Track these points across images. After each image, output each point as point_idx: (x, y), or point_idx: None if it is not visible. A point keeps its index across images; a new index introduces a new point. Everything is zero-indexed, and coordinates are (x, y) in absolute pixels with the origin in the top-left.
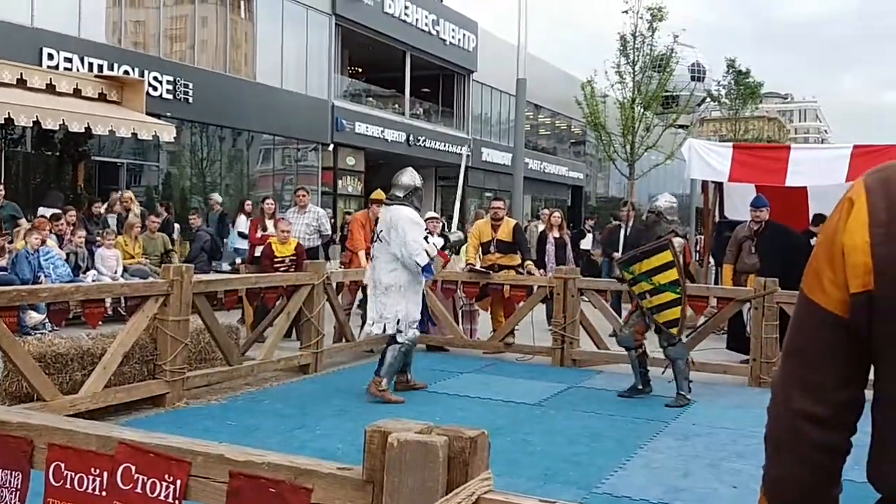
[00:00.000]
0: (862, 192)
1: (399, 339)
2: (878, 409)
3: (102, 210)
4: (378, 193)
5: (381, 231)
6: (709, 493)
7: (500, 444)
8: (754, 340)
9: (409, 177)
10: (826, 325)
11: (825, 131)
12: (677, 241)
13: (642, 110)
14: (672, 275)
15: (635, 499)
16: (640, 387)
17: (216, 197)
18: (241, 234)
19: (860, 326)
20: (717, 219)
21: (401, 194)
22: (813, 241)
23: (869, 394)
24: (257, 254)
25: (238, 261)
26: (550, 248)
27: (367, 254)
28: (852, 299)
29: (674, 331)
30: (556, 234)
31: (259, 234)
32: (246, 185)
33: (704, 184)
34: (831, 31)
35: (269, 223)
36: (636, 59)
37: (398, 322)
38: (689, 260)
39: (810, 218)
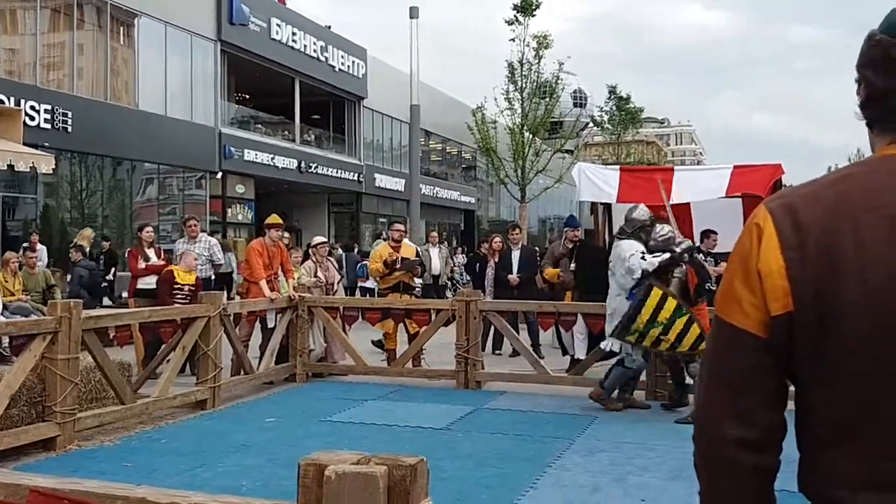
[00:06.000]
0: (767, 217)
1: (627, 363)
2: (801, 426)
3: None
4: (273, 218)
5: (611, 262)
6: None
7: None
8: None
9: (640, 213)
10: (749, 348)
11: (701, 153)
12: (678, 271)
13: (531, 136)
14: (671, 305)
15: None
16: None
17: (87, 232)
18: None
19: (781, 346)
20: (606, 239)
21: (629, 230)
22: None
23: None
24: (140, 285)
25: (124, 294)
26: (490, 272)
27: (269, 282)
28: (773, 321)
29: (702, 347)
30: (497, 259)
31: (143, 264)
32: (128, 217)
33: (594, 205)
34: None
35: (150, 252)
36: (524, 85)
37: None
38: (695, 281)
39: (695, 232)
